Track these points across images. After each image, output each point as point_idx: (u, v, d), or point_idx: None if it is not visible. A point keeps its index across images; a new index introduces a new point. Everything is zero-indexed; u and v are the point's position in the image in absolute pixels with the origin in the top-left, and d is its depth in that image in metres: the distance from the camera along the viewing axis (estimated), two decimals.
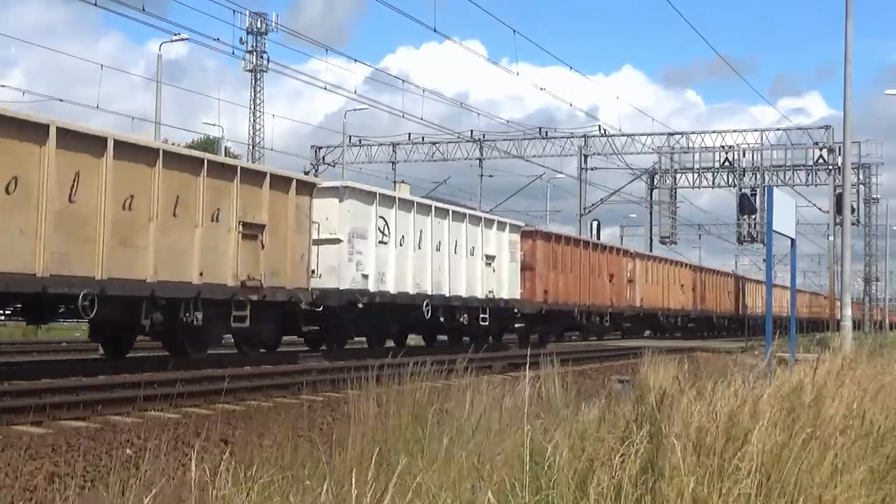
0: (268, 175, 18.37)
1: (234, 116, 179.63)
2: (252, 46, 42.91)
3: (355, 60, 48.31)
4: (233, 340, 19.23)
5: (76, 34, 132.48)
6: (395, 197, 23.26)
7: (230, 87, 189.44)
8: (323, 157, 54.61)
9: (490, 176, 55.57)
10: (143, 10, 24.64)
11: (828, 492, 5.04)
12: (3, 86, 42.34)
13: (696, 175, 55.32)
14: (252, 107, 44.88)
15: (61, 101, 50.41)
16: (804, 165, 51.79)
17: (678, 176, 56.54)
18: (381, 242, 21.89)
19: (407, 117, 39.31)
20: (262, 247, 17.88)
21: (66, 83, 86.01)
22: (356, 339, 24.90)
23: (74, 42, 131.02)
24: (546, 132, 52.93)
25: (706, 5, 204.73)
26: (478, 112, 59.95)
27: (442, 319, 24.41)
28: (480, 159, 54.20)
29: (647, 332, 45.07)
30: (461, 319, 25.29)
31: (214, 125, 48.96)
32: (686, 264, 50.36)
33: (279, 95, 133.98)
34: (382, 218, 22.04)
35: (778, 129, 53.53)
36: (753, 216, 53.26)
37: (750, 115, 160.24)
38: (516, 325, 29.90)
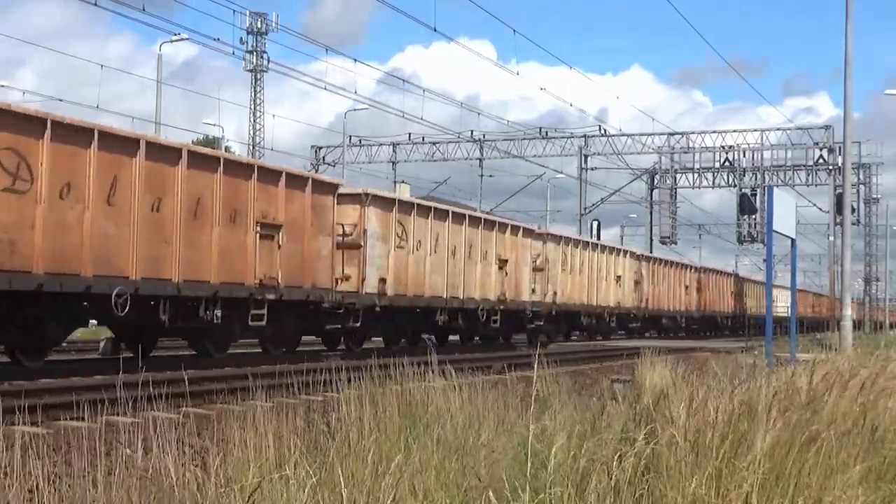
0: None
1: (241, 116, 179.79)
2: (252, 46, 42.95)
3: (356, 61, 48.27)
4: None
5: (88, 35, 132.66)
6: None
7: (241, 88, 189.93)
8: (323, 157, 54.66)
9: (490, 176, 55.70)
10: (143, 10, 24.71)
11: (827, 492, 5.04)
12: (3, 86, 42.30)
13: (696, 175, 55.39)
14: (252, 107, 44.90)
15: (61, 101, 50.63)
16: (804, 165, 51.83)
17: (678, 176, 56.60)
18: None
19: (408, 117, 39.34)
20: None
21: (75, 84, 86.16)
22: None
23: (86, 43, 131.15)
24: (546, 132, 53.00)
25: (724, 4, 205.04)
26: (478, 112, 59.98)
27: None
28: (480, 159, 54.27)
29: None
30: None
31: (215, 125, 49.00)
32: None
33: (289, 96, 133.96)
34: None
35: (778, 129, 53.63)
36: (753, 216, 53.30)
37: (757, 116, 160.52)
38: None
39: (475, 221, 27.17)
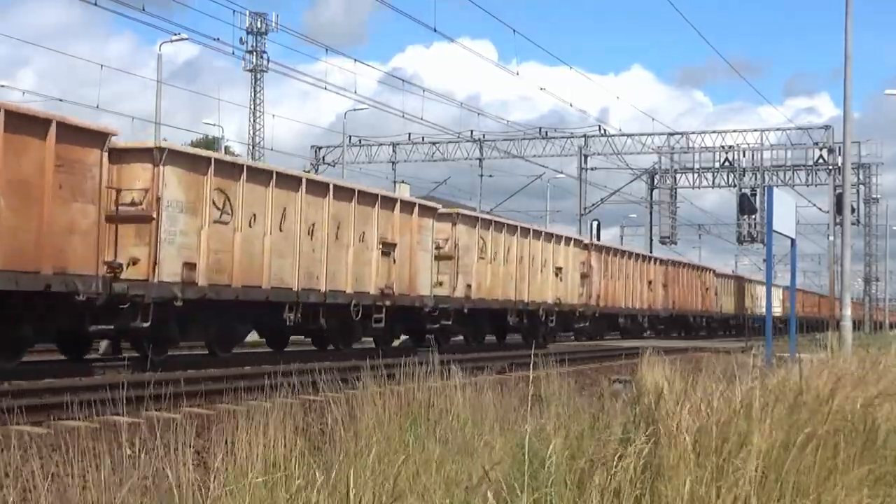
0: None
1: (242, 116, 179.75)
2: (252, 46, 42.98)
3: (355, 60, 48.34)
4: None
5: (89, 35, 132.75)
6: None
7: (243, 88, 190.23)
8: (323, 158, 54.72)
9: (490, 176, 55.76)
10: (143, 9, 24.74)
11: (826, 492, 5.05)
12: (2, 86, 42.32)
13: (696, 175, 55.42)
14: (252, 107, 44.94)
15: (61, 101, 50.74)
16: (804, 165, 51.88)
17: (678, 176, 56.64)
18: None
19: (408, 118, 39.42)
20: None
21: (77, 84, 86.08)
22: None
23: (87, 43, 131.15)
24: (546, 132, 53.03)
25: (726, 4, 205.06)
26: (478, 112, 60.02)
27: None
28: (480, 159, 54.31)
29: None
30: None
31: (214, 125, 49.09)
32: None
33: (291, 96, 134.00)
34: None
35: (778, 129, 53.66)
36: (753, 216, 53.33)
37: (758, 116, 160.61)
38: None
39: (344, 193, 21.02)
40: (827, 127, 51.69)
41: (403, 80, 45.30)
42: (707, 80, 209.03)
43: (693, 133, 54.42)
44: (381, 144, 54.64)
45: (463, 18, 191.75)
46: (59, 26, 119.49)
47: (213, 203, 17.46)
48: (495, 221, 28.90)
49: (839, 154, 45.15)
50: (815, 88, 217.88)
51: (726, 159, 53.10)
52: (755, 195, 52.37)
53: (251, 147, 45.04)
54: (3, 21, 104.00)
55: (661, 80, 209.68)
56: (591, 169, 54.81)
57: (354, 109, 48.26)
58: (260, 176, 18.76)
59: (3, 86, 42.32)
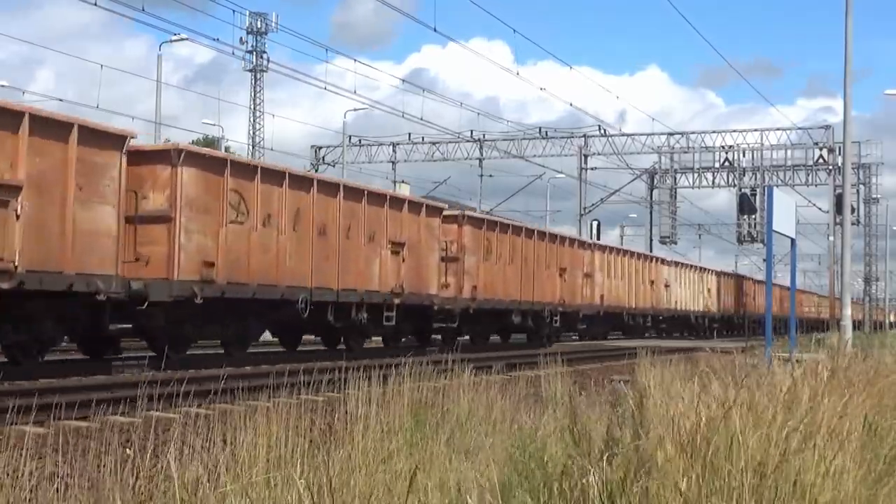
0: None
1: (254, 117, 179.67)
2: (252, 46, 43.03)
3: (355, 60, 48.37)
4: None
5: (107, 38, 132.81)
6: None
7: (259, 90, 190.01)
8: (323, 157, 54.70)
9: (490, 176, 55.72)
10: (143, 9, 24.80)
11: (823, 493, 5.06)
12: (3, 86, 42.30)
13: (696, 175, 55.38)
14: (252, 106, 44.98)
15: (61, 100, 50.51)
16: (804, 165, 51.87)
17: (678, 176, 56.61)
18: None
19: (408, 117, 39.46)
20: None
21: (93, 86, 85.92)
22: None
23: (106, 45, 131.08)
24: (546, 132, 53.01)
25: (752, 4, 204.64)
26: (478, 112, 60.03)
27: None
28: (480, 159, 54.28)
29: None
30: None
31: (214, 125, 49.09)
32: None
33: (307, 96, 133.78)
34: None
35: (779, 130, 53.64)
36: (753, 216, 53.30)
37: (771, 117, 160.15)
38: None
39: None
40: (827, 127, 51.73)
41: (404, 80, 45.48)
42: (727, 80, 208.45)
43: (693, 133, 54.47)
44: (380, 144, 54.65)
45: (478, 19, 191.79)
46: (77, 28, 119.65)
47: None
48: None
49: (839, 154, 45.15)
50: (835, 90, 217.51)
51: (726, 159, 53.10)
52: (755, 195, 52.35)
53: (251, 146, 45.08)
54: (20, 21, 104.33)
55: (675, 81, 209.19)
56: (592, 169, 54.82)
57: (354, 110, 48.42)
58: None
59: (3, 86, 42.30)
